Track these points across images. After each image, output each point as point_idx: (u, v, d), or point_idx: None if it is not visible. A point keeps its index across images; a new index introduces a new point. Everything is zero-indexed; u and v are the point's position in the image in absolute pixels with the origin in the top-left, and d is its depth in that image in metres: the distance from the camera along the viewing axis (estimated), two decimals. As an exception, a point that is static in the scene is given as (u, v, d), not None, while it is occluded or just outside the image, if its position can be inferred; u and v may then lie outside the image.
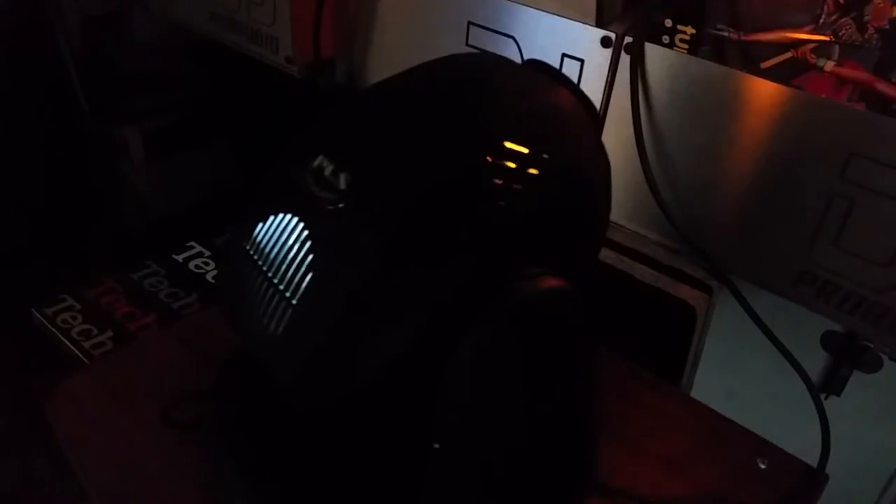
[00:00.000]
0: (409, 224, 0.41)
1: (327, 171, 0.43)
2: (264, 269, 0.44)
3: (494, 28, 0.80)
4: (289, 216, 0.44)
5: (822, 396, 0.67)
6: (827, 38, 0.61)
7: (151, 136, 1.45)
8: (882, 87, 0.59)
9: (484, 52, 0.80)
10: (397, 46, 0.93)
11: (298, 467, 0.50)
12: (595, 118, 0.51)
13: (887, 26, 0.58)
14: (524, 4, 0.76)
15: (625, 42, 0.70)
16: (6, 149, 1.36)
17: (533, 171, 0.43)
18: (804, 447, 0.62)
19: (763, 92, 0.64)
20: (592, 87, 0.73)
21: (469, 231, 0.41)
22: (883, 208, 0.60)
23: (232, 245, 0.48)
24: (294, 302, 0.42)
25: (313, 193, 0.43)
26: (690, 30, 0.68)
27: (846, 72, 0.61)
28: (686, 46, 0.69)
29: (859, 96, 0.61)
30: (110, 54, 1.44)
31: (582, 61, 0.74)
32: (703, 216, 0.71)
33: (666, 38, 0.69)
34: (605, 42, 0.71)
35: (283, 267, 0.43)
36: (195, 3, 1.12)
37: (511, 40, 0.79)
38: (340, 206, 0.42)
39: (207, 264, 1.24)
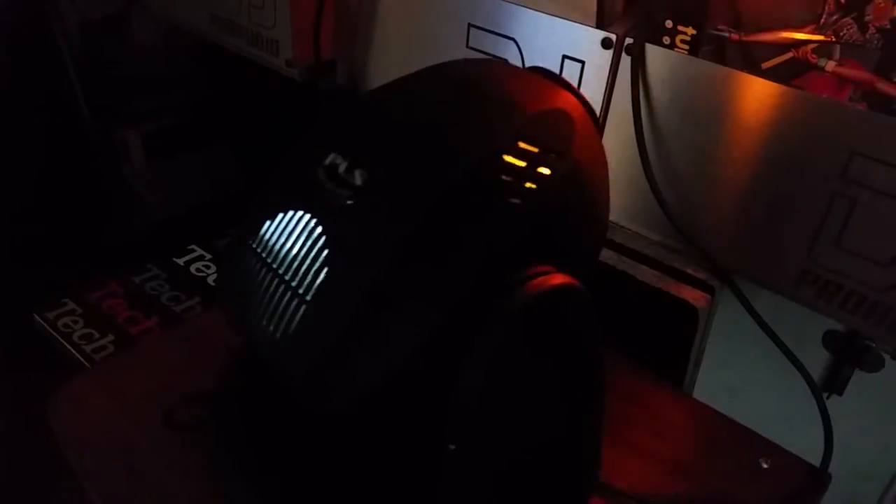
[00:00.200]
0: (430, 218, 0.41)
1: (341, 168, 0.43)
2: (274, 266, 0.44)
3: (495, 30, 0.80)
4: (300, 213, 0.44)
5: (825, 396, 0.67)
6: (828, 38, 0.61)
7: (152, 138, 1.45)
8: (883, 86, 0.59)
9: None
10: (398, 49, 0.93)
11: (300, 468, 0.50)
12: (595, 121, 0.53)
13: (888, 26, 0.58)
14: (525, 6, 0.76)
15: (625, 43, 0.70)
16: (5, 151, 1.36)
17: (544, 170, 0.44)
18: (806, 447, 0.62)
19: (764, 92, 0.64)
20: (593, 89, 0.73)
21: (485, 227, 0.42)
22: (884, 208, 0.60)
23: (236, 244, 0.48)
24: (308, 298, 0.42)
25: (327, 190, 0.43)
26: (691, 30, 0.68)
27: (847, 71, 0.61)
28: (687, 47, 0.69)
29: (861, 96, 0.61)
30: (110, 57, 1.43)
31: (583, 63, 0.74)
32: (705, 217, 0.71)
33: (667, 39, 0.70)
34: (605, 43, 0.71)
35: (296, 264, 0.43)
36: (195, 6, 1.12)
37: (511, 42, 0.79)
38: (356, 202, 0.42)
39: (208, 267, 1.24)
